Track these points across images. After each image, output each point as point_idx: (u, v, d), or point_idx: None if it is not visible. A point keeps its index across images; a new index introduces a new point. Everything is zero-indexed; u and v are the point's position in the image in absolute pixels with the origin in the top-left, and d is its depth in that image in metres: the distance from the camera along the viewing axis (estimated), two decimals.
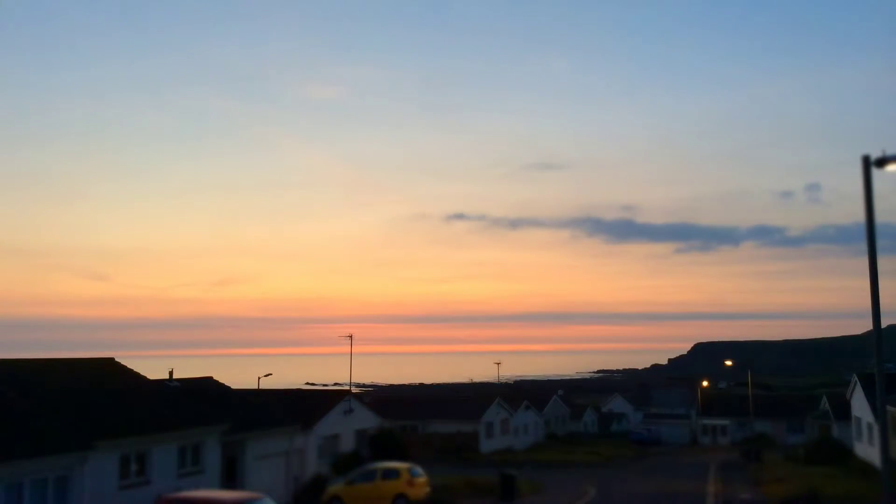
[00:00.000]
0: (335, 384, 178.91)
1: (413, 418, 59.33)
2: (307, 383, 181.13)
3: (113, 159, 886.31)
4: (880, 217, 13.87)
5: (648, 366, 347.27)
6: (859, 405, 44.78)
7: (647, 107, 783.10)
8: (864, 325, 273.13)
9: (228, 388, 36.42)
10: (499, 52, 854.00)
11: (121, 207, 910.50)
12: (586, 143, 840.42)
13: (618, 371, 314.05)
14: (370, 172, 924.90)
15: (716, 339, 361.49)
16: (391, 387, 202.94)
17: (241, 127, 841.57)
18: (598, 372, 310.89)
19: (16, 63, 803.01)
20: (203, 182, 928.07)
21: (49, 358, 28.66)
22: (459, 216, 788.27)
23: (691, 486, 38.88)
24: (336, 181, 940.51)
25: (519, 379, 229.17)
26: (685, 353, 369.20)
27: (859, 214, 13.95)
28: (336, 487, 31.13)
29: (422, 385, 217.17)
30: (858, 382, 44.62)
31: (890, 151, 13.57)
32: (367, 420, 43.05)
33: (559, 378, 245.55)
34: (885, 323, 14.63)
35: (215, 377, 37.10)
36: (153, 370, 35.33)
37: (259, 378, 45.16)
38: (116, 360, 30.30)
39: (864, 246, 13.66)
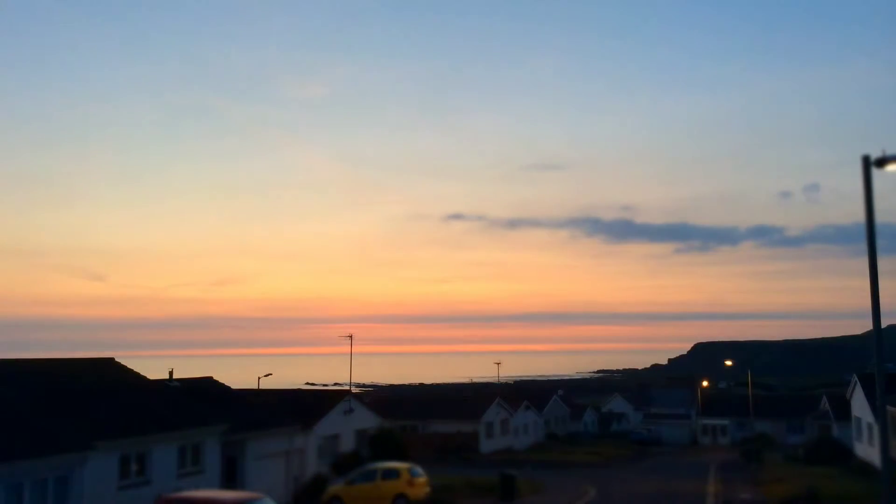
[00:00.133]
0: (335, 384, 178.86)
1: (413, 418, 59.33)
2: (307, 383, 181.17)
3: (112, 159, 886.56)
4: (880, 217, 13.86)
5: (648, 366, 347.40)
6: (859, 405, 44.78)
7: (645, 107, 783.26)
8: (864, 325, 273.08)
9: (228, 388, 36.42)
10: (497, 52, 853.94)
11: (119, 208, 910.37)
12: (585, 144, 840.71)
13: (618, 371, 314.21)
14: (369, 172, 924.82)
15: (716, 339, 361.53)
16: (391, 387, 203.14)
17: (240, 127, 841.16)
18: (598, 372, 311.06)
19: (14, 64, 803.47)
20: (202, 182, 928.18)
21: (49, 358, 28.68)
22: (458, 216, 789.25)
23: (691, 486, 38.89)
24: (335, 181, 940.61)
25: (519, 379, 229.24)
26: (685, 353, 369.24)
27: (858, 214, 13.97)
28: (336, 487, 31.13)
29: (422, 385, 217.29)
30: (858, 382, 44.62)
31: (890, 151, 13.57)
32: (367, 420, 43.04)
33: (559, 378, 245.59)
34: (885, 323, 14.62)
35: (215, 377, 37.11)
36: (153, 370, 35.34)
37: (259, 378, 45.18)
38: (116, 360, 30.31)
39: (863, 246, 13.66)
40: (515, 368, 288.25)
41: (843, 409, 51.86)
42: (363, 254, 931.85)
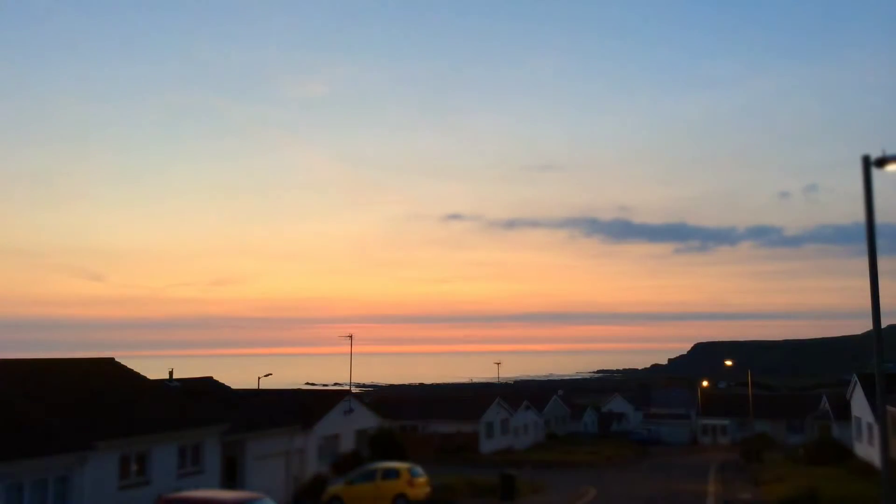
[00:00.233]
0: (335, 384, 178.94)
1: (413, 418, 59.31)
2: (307, 383, 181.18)
3: (112, 159, 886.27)
4: (880, 217, 13.88)
5: (648, 366, 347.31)
6: (859, 405, 44.75)
7: (644, 107, 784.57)
8: (863, 325, 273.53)
9: (228, 388, 36.43)
10: (497, 53, 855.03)
11: (118, 207, 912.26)
12: (584, 144, 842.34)
13: (618, 371, 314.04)
14: (368, 172, 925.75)
15: (716, 339, 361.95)
16: (391, 387, 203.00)
17: (240, 127, 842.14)
18: (598, 372, 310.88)
19: (13, 64, 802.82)
20: (201, 182, 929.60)
21: (49, 358, 28.65)
22: (458, 216, 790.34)
23: (691, 486, 38.88)
24: (334, 181, 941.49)
25: (519, 379, 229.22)
26: (685, 353, 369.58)
27: (857, 214, 13.99)
28: (336, 487, 31.12)
29: (422, 385, 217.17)
30: (858, 382, 44.59)
31: (889, 151, 13.57)
32: (367, 420, 43.04)
33: (559, 378, 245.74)
34: (885, 323, 14.62)
35: (215, 377, 37.12)
36: (153, 370, 35.36)
37: (259, 378, 45.14)
38: (116, 360, 30.30)
39: (863, 246, 13.66)
40: (515, 368, 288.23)
41: (843, 409, 51.83)
42: (363, 254, 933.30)
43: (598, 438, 77.78)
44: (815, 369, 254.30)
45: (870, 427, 41.82)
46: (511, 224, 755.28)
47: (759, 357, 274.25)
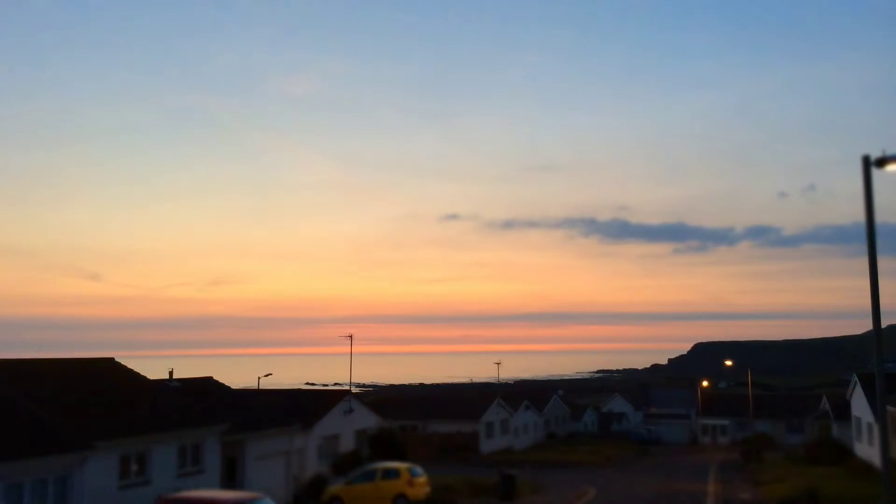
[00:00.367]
0: (335, 384, 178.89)
1: (413, 418, 59.32)
2: (307, 383, 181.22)
3: (108, 160, 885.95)
4: (879, 217, 13.86)
5: (648, 366, 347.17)
6: (859, 405, 44.74)
7: (641, 108, 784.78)
8: (864, 325, 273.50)
9: (228, 388, 36.41)
10: (494, 53, 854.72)
11: (116, 207, 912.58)
12: (581, 144, 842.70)
13: (618, 371, 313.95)
14: (366, 173, 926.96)
15: (716, 339, 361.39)
16: (391, 387, 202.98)
17: (237, 126, 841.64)
18: (598, 372, 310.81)
19: (10, 65, 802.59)
20: (199, 182, 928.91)
21: (49, 358, 28.63)
22: (457, 217, 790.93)
23: (691, 486, 38.87)
24: (331, 181, 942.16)
25: (519, 379, 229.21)
26: (685, 353, 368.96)
27: (856, 214, 14.00)
28: (336, 487, 31.11)
29: (422, 385, 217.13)
30: (858, 382, 44.57)
31: (889, 151, 13.57)
32: (367, 420, 43.04)
33: (559, 378, 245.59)
34: (885, 323, 14.62)
35: (215, 377, 37.09)
36: (153, 370, 35.35)
37: (259, 378, 45.10)
38: (116, 360, 30.29)
39: (862, 246, 13.67)
40: (515, 368, 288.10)
41: (843, 409, 51.79)
42: (362, 254, 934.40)
43: (598, 438, 77.75)
44: (815, 369, 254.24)
45: (870, 427, 41.81)
46: (509, 224, 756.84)
47: (759, 357, 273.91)
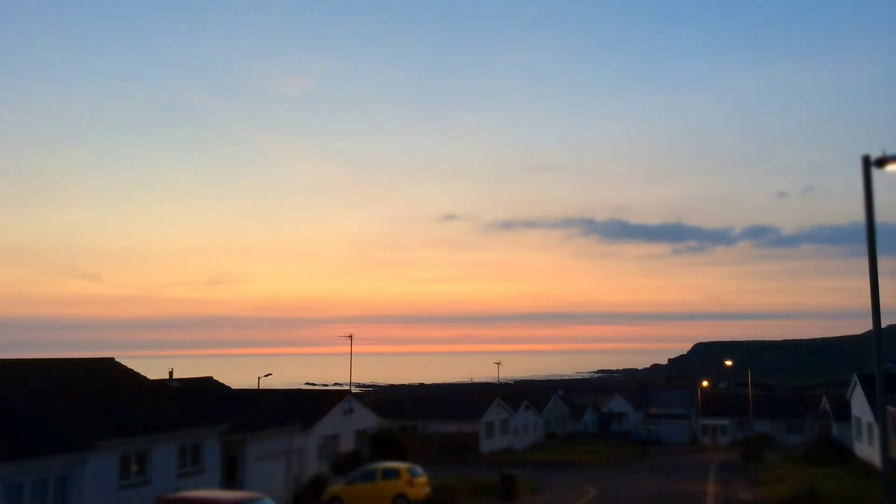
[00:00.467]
0: (335, 384, 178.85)
1: (413, 418, 59.30)
2: (307, 383, 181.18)
3: (105, 159, 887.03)
4: (879, 217, 13.85)
5: (648, 366, 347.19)
6: (859, 405, 44.75)
7: (639, 108, 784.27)
8: (864, 325, 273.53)
9: (228, 388, 36.44)
10: (491, 54, 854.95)
11: (115, 207, 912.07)
12: (579, 145, 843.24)
13: (618, 371, 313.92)
14: (363, 173, 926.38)
15: (716, 339, 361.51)
16: (391, 387, 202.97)
17: (235, 126, 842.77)
18: (598, 372, 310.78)
19: (8, 64, 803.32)
20: (199, 183, 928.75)
21: (49, 358, 28.70)
22: (456, 217, 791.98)
23: (691, 486, 38.88)
24: (329, 181, 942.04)
25: (519, 379, 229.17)
26: (685, 353, 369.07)
27: (854, 214, 14.00)
28: (336, 487, 31.12)
29: (422, 385, 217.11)
30: (858, 382, 44.59)
31: (889, 151, 13.57)
32: (367, 420, 43.04)
33: (559, 378, 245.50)
34: (885, 323, 14.62)
35: (215, 377, 37.15)
36: (153, 370, 35.38)
37: (259, 378, 45.12)
38: (116, 360, 30.31)
39: (861, 246, 13.69)
40: (515, 368, 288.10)
41: (843, 409, 51.81)
42: (362, 254, 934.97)
43: (598, 438, 77.81)
44: (815, 369, 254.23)
45: (870, 427, 41.83)
46: (508, 225, 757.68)
47: (759, 357, 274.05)
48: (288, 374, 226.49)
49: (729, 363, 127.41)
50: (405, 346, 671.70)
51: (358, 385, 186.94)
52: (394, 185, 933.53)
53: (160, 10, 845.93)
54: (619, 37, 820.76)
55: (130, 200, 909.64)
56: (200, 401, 30.45)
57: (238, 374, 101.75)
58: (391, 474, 30.43)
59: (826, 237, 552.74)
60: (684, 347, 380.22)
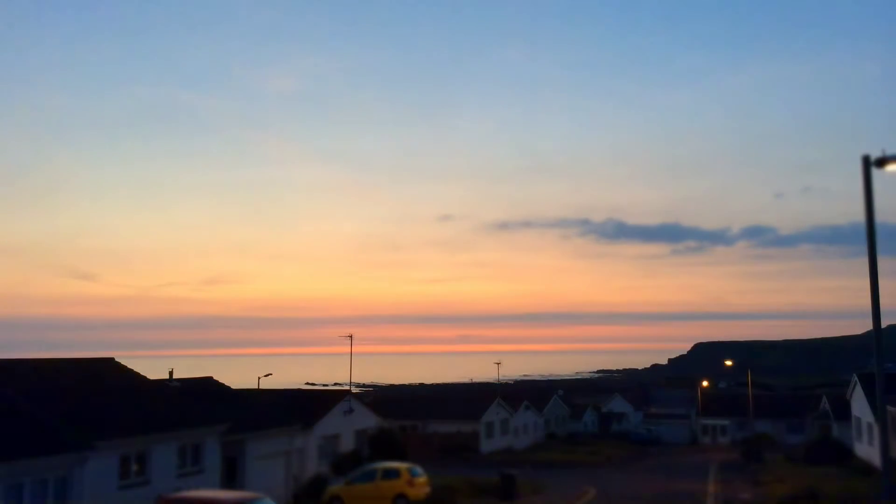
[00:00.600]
0: (335, 384, 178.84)
1: (413, 418, 59.29)
2: (307, 383, 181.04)
3: (103, 159, 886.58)
4: (878, 217, 13.84)
5: (648, 366, 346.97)
6: (859, 405, 44.76)
7: (636, 108, 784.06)
8: (864, 325, 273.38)
9: (228, 388, 36.41)
10: (488, 54, 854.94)
11: (113, 207, 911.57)
12: (576, 145, 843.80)
13: (618, 371, 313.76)
14: (361, 173, 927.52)
15: (716, 339, 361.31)
16: (391, 387, 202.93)
17: (236, 127, 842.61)
18: (598, 372, 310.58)
19: (5, 63, 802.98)
20: (197, 182, 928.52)
21: (49, 358, 28.64)
22: (450, 217, 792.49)
23: (691, 486, 38.87)
24: (326, 181, 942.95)
25: (519, 379, 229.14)
26: (685, 353, 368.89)
27: (853, 214, 14.00)
28: (336, 487, 31.12)
29: (422, 385, 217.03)
30: (858, 382, 44.59)
31: (888, 151, 13.56)
32: (367, 420, 43.03)
33: (559, 378, 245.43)
34: (885, 323, 14.61)
35: (215, 377, 37.11)
36: (153, 370, 35.34)
37: (259, 378, 45.12)
38: (116, 360, 30.29)
39: (859, 246, 13.69)
40: (515, 368, 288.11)
41: (843, 409, 51.82)
42: (360, 254, 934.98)
43: (598, 438, 77.75)
44: (815, 369, 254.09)
45: (870, 427, 41.83)
46: (504, 225, 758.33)
47: (759, 357, 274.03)
48: (288, 374, 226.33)
49: (729, 363, 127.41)
50: (405, 346, 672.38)
51: (358, 385, 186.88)
52: (392, 185, 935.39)
53: (159, 11, 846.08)
54: (616, 36, 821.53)
55: (129, 200, 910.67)
56: (200, 401, 30.44)
57: (238, 374, 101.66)
58: (391, 474, 30.42)
59: (825, 237, 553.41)
60: (684, 347, 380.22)
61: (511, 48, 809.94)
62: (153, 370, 35.38)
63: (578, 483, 39.48)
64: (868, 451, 41.97)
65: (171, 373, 33.02)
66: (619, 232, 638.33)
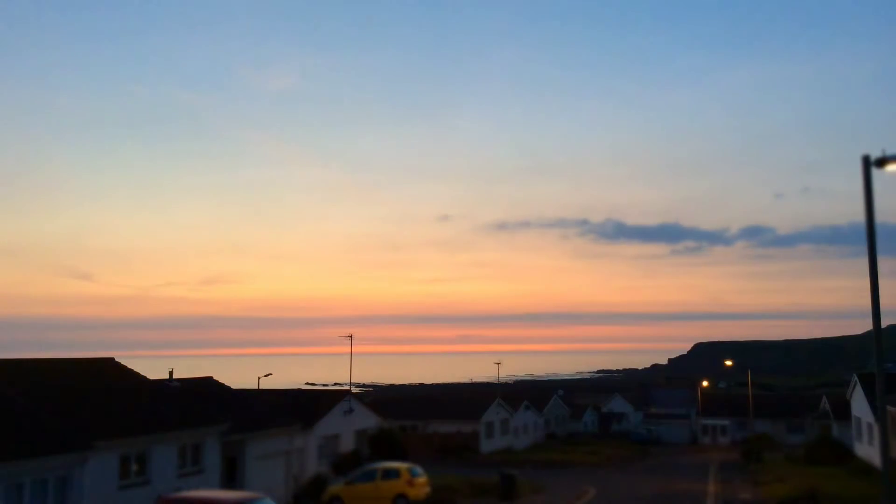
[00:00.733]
0: (335, 384, 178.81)
1: (413, 418, 59.29)
2: (307, 383, 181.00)
3: (101, 159, 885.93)
4: (878, 217, 13.83)
5: (648, 366, 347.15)
6: (859, 405, 44.75)
7: (635, 109, 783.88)
8: (864, 325, 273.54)
9: (228, 388, 36.40)
10: (487, 54, 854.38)
11: (112, 207, 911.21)
12: (575, 145, 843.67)
13: (618, 371, 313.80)
14: (360, 173, 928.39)
15: (716, 339, 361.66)
16: (391, 387, 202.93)
17: (235, 127, 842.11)
18: (598, 372, 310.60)
19: (3, 62, 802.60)
20: (198, 183, 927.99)
21: (49, 358, 28.63)
22: (449, 217, 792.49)
23: (691, 486, 38.87)
24: (328, 181, 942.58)
25: (519, 379, 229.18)
26: (685, 353, 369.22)
27: (852, 214, 13.99)
28: (336, 487, 31.11)
29: (422, 385, 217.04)
30: (858, 382, 44.59)
31: (888, 151, 13.55)
32: (367, 420, 43.02)
33: (559, 378, 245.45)
34: (885, 323, 14.61)
35: (215, 377, 37.08)
36: (153, 370, 35.34)
37: (259, 378, 45.10)
38: (116, 360, 30.29)
39: (858, 246, 13.77)
40: (515, 368, 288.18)
41: (843, 409, 51.81)
42: (360, 254, 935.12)
43: (598, 438, 77.78)
44: (815, 369, 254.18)
45: (870, 427, 41.82)
46: (502, 226, 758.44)
47: (759, 357, 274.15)
48: (288, 374, 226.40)
49: (729, 363, 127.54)
50: (405, 346, 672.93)
51: (358, 385, 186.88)
52: (391, 185, 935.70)
53: (159, 11, 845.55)
54: (616, 36, 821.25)
55: (128, 200, 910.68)
56: (200, 401, 30.43)
57: (238, 374, 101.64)
58: (391, 474, 30.42)
59: (824, 237, 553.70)
60: (684, 347, 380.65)
61: (511, 48, 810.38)
62: (153, 370, 35.38)
63: (578, 483, 39.48)
64: (868, 451, 41.97)
65: (171, 373, 33.02)
66: (618, 232, 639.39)
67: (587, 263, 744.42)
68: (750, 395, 70.38)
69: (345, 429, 40.22)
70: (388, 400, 74.87)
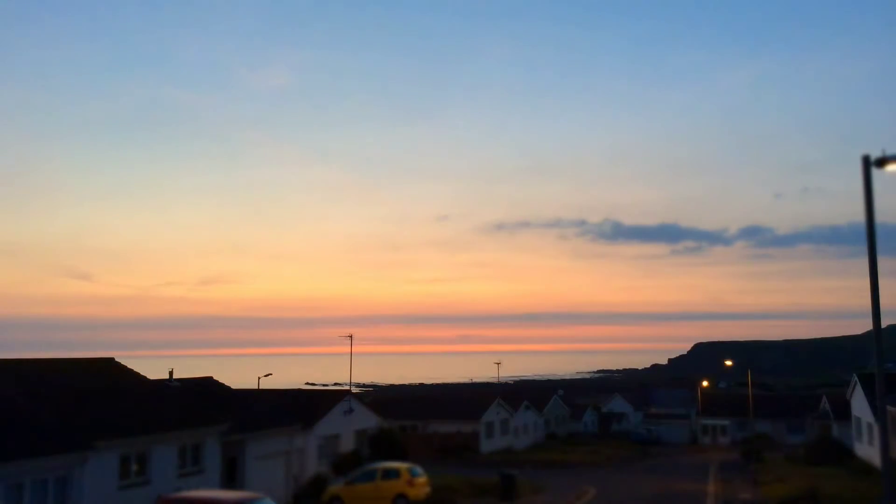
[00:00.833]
0: (335, 384, 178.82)
1: (413, 418, 59.27)
2: (307, 383, 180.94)
3: (99, 159, 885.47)
4: (878, 217, 13.83)
5: (648, 366, 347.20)
6: (859, 405, 44.75)
7: (634, 108, 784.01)
8: (864, 325, 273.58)
9: (228, 388, 36.39)
10: (486, 54, 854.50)
11: (111, 207, 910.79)
12: (574, 146, 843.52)
13: (618, 371, 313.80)
14: (362, 173, 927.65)
15: (716, 339, 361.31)
16: (391, 387, 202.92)
17: (235, 127, 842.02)
18: (598, 372, 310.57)
19: (2, 63, 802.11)
20: (198, 183, 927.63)
21: (49, 358, 28.63)
22: (448, 218, 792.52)
23: (691, 486, 38.87)
24: (328, 182, 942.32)
25: (519, 379, 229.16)
26: (685, 353, 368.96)
27: (851, 214, 13.99)
28: (336, 487, 31.11)
29: (422, 385, 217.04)
30: (858, 382, 44.59)
31: (888, 151, 13.55)
32: (367, 420, 43.01)
33: (559, 378, 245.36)
34: (885, 323, 14.60)
35: (215, 377, 37.08)
36: (153, 370, 35.33)
37: (259, 378, 45.12)
38: (116, 360, 30.28)
39: (857, 247, 13.77)
40: (515, 368, 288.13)
41: (843, 409, 51.81)
42: (361, 254, 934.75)
43: (598, 438, 77.80)
44: (815, 369, 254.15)
45: (870, 427, 41.82)
46: (508, 226, 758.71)
47: (759, 357, 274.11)
48: (288, 374, 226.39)
49: (729, 363, 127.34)
50: (405, 346, 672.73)
51: (358, 385, 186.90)
52: (391, 185, 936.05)
53: (158, 11, 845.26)
54: (615, 36, 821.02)
55: (128, 200, 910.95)
56: (200, 401, 30.43)
57: (238, 374, 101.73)
58: (391, 474, 30.42)
59: (824, 237, 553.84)
60: (684, 347, 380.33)
61: (510, 48, 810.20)
62: (153, 370, 35.37)
63: (578, 483, 39.47)
64: (868, 451, 41.97)
65: (171, 373, 33.01)
66: (617, 232, 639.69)
67: (587, 263, 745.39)
68: (750, 395, 70.30)
69: (345, 429, 40.22)
70: (388, 400, 74.83)
